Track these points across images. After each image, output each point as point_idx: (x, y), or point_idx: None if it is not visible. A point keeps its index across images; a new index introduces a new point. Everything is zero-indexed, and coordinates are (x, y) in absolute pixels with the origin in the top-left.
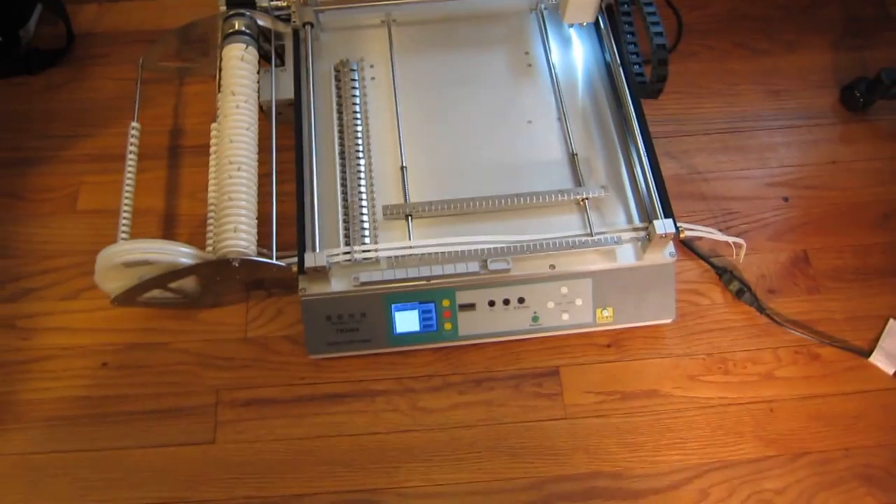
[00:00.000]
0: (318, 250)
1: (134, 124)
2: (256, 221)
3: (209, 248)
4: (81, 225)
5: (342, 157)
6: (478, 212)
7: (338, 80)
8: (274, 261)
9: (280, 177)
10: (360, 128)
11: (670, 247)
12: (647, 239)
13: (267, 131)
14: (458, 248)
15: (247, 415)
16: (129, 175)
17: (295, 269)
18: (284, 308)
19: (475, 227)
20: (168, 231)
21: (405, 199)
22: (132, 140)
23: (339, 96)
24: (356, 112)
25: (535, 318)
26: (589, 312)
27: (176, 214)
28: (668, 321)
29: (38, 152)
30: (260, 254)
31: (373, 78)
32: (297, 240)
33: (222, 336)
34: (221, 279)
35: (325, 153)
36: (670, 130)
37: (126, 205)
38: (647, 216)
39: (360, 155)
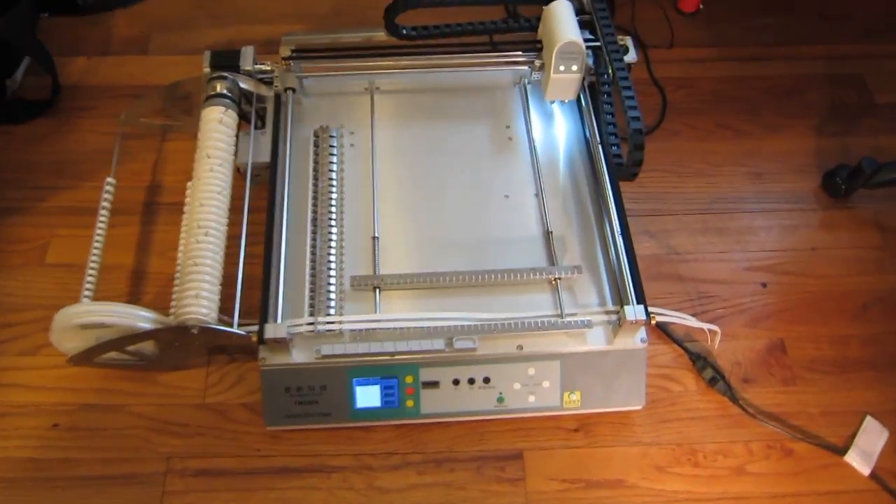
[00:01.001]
0: (280, 320)
1: (109, 179)
2: (220, 288)
3: (171, 313)
4: (48, 279)
5: (314, 224)
6: (448, 286)
7: (316, 145)
8: (235, 329)
9: (251, 238)
10: (334, 194)
11: (642, 332)
12: (619, 323)
13: (241, 192)
14: (425, 325)
15: (196, 486)
16: (98, 232)
17: (255, 338)
18: (246, 375)
19: (444, 301)
20: (135, 289)
21: (375, 271)
22: (106, 196)
23: (316, 161)
24: (332, 178)
25: (500, 399)
26: (556, 395)
27: (145, 272)
28: (638, 407)
29: (15, 202)
30: (221, 321)
31: (352, 145)
32: (260, 309)
33: (179, 401)
34: (180, 344)
35: (297, 218)
36: (650, 209)
37: (93, 262)
38: (620, 300)
39: (333, 222)
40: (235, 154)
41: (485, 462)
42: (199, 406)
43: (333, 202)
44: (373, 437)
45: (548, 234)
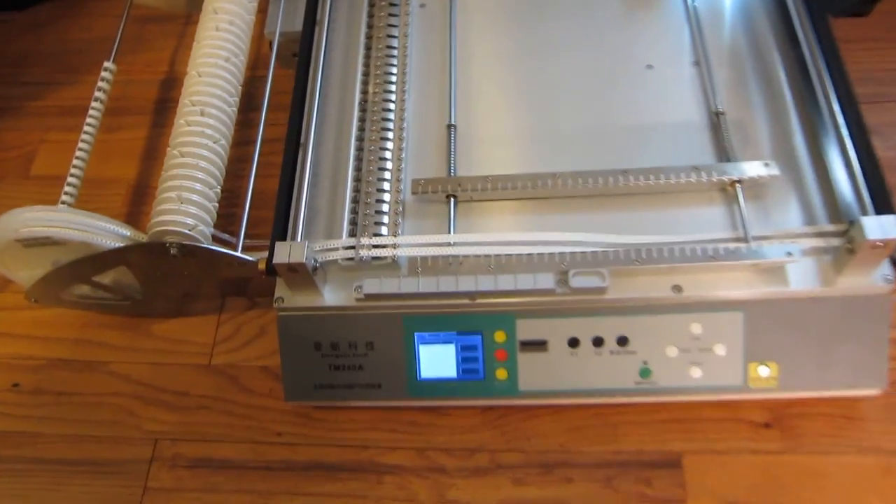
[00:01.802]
0: (300, 238)
1: (107, 64)
2: (218, 192)
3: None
4: (31, 193)
5: (362, 109)
6: (560, 196)
7: (372, 3)
8: (236, 252)
9: (271, 140)
10: (394, 69)
11: (884, 266)
12: (846, 250)
13: (264, 72)
14: (525, 251)
15: (189, 482)
16: (87, 130)
17: (262, 265)
18: (270, 325)
19: (554, 220)
20: (135, 209)
21: (449, 171)
22: (101, 86)
23: (370, 26)
24: (391, 47)
25: (644, 372)
26: (737, 368)
27: (149, 187)
28: (875, 392)
29: (5, 101)
30: (218, 240)
31: (422, 5)
32: (273, 224)
33: (178, 359)
34: (163, 274)
35: (337, 101)
36: (868, 94)
37: (76, 168)
38: (843, 214)
39: (390, 105)
40: (260, 19)
41: (622, 470)
42: (204, 368)
43: (393, 79)
44: (446, 425)
45: (716, 118)
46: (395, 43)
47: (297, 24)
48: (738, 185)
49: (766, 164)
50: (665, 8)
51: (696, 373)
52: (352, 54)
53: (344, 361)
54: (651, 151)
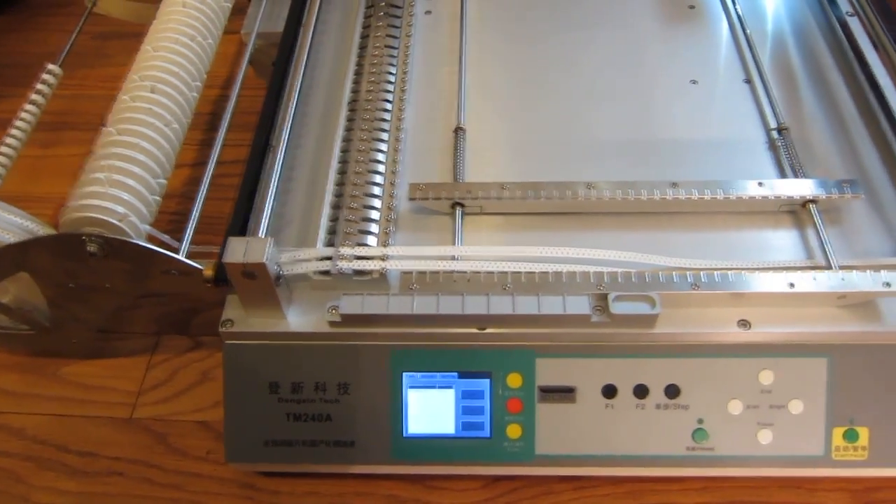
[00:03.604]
0: (263, 234)
1: (51, 67)
2: (165, 185)
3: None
4: None
5: (351, 110)
6: (593, 211)
7: (370, 5)
8: (178, 256)
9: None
10: (392, 70)
11: None
12: None
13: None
14: (552, 267)
15: None
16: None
17: (209, 271)
18: (215, 371)
19: (584, 239)
20: None
21: (456, 176)
22: (40, 88)
23: (366, 27)
24: (391, 48)
25: (699, 435)
26: (817, 433)
27: None
28: None
29: None
30: (156, 242)
31: (428, 12)
32: (229, 221)
33: (90, 410)
34: (78, 287)
35: (321, 103)
36: None
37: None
38: None
39: (386, 106)
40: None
41: None
42: (124, 422)
43: (391, 79)
44: (440, 500)
45: (777, 135)
46: (395, 44)
47: (279, 26)
48: (812, 205)
49: (847, 183)
50: (705, 23)
51: (765, 437)
52: (343, 57)
53: (307, 409)
54: (700, 167)
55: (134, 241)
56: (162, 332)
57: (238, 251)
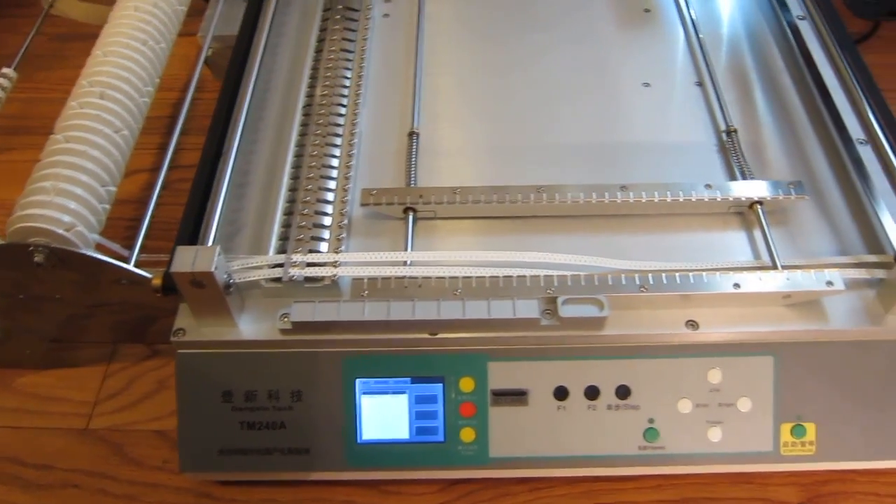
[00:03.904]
0: (211, 243)
1: (6, 70)
2: (114, 193)
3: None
4: None
5: (306, 115)
6: (546, 215)
7: (327, 8)
8: (127, 266)
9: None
10: (348, 73)
11: None
12: None
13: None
14: (502, 272)
15: None
16: None
17: (157, 281)
18: (170, 379)
19: (536, 242)
20: None
21: (409, 182)
22: None
23: (322, 30)
24: (346, 51)
25: (651, 434)
26: (765, 430)
27: None
28: None
29: None
30: (106, 251)
31: (386, 15)
32: (178, 230)
33: (45, 422)
34: (28, 297)
35: (278, 107)
36: None
37: None
38: (884, 241)
39: (340, 111)
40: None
41: None
42: (79, 433)
43: (346, 83)
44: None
45: (727, 137)
46: (351, 47)
47: (236, 28)
48: (759, 206)
49: (793, 185)
50: (659, 26)
51: (714, 435)
52: (299, 60)
53: (261, 417)
54: (650, 170)
55: (81, 251)
56: (119, 341)
57: (186, 260)
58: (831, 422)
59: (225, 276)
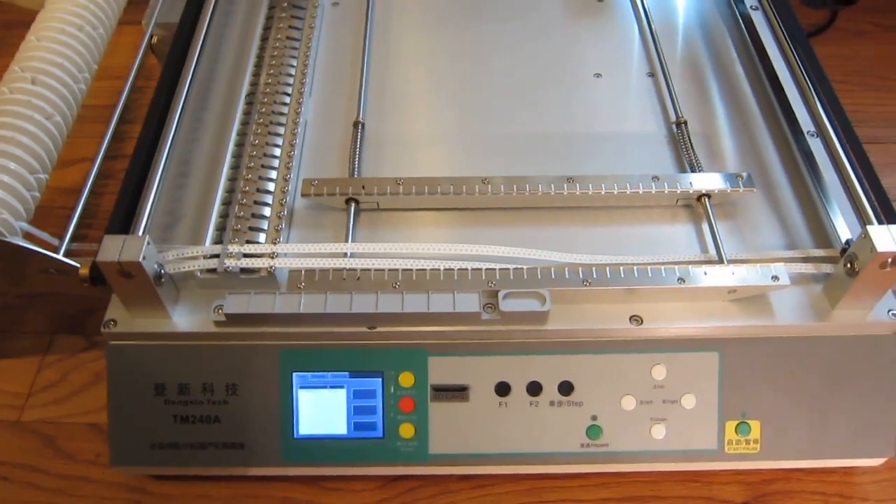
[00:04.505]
0: (142, 232)
1: None
2: (45, 182)
3: None
4: None
5: (249, 104)
6: (490, 207)
7: (273, 5)
8: (55, 255)
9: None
10: (293, 62)
11: (890, 299)
12: (846, 272)
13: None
14: (443, 264)
15: None
16: None
17: (84, 270)
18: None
19: (480, 235)
20: None
21: (352, 173)
22: None
23: (269, 17)
24: (292, 39)
25: (593, 431)
26: (710, 427)
27: None
28: (880, 462)
29: None
30: (35, 240)
31: (335, 3)
32: (110, 218)
33: None
34: None
35: (221, 97)
36: None
37: None
38: (832, 235)
39: (284, 100)
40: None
41: None
42: (11, 425)
43: (291, 72)
44: (335, 501)
45: (677, 129)
46: (297, 35)
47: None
48: (706, 199)
49: (740, 177)
50: (613, 17)
51: (658, 432)
52: (244, 49)
53: (195, 411)
54: (600, 162)
55: (6, 238)
56: (56, 332)
57: (113, 250)
58: (776, 419)
59: (155, 266)
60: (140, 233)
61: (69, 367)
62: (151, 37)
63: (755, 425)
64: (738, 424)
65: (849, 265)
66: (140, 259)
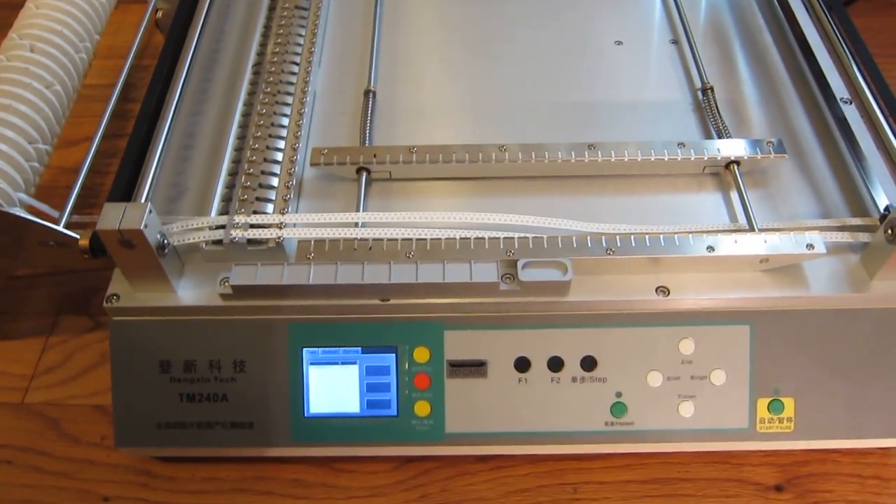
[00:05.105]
0: (144, 200)
1: None
2: (47, 153)
3: None
4: None
5: (255, 73)
6: (508, 176)
7: None
8: (56, 226)
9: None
10: (302, 31)
11: None
12: (889, 238)
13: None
14: (458, 233)
15: None
16: None
17: (84, 241)
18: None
19: (498, 205)
20: None
21: (363, 142)
22: None
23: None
24: (301, 9)
25: (618, 409)
26: (741, 405)
27: None
28: None
29: None
30: (36, 212)
31: None
32: (111, 188)
33: None
34: None
35: (228, 67)
36: None
37: None
38: (867, 203)
39: (293, 69)
40: None
41: None
42: (15, 407)
43: (299, 41)
44: (343, 485)
45: (703, 95)
46: (305, 4)
47: None
48: (735, 166)
49: (770, 143)
50: None
51: (686, 410)
52: (252, 19)
53: (201, 389)
54: (622, 131)
55: (3, 208)
56: (60, 313)
57: (113, 218)
58: (811, 397)
59: (158, 236)
60: (142, 201)
61: (73, 348)
62: (156, 10)
63: (788, 403)
64: (770, 402)
65: (889, 231)
66: (141, 227)
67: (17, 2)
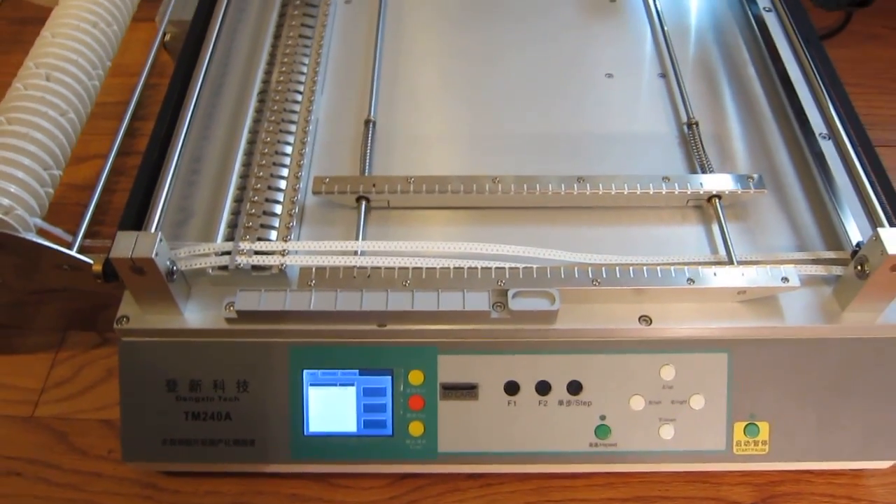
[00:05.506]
0: (155, 228)
1: None
2: (59, 178)
3: None
4: None
5: (261, 101)
6: (500, 206)
7: (286, 2)
8: (69, 251)
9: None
10: (305, 60)
11: None
12: (856, 274)
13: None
14: (453, 263)
15: None
16: None
17: (97, 267)
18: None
19: (490, 234)
20: None
21: (363, 171)
22: None
23: (282, 15)
24: (305, 38)
25: (602, 431)
26: (719, 428)
27: None
28: (889, 464)
29: None
30: (48, 236)
31: (347, 1)
32: (122, 215)
33: None
34: None
35: (234, 94)
36: None
37: None
38: (842, 237)
39: (296, 97)
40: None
41: None
42: (24, 421)
43: (303, 70)
44: (341, 500)
45: (688, 130)
46: (310, 33)
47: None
48: (717, 200)
49: (751, 178)
50: (625, 17)
51: (667, 433)
52: (257, 46)
53: (206, 408)
54: (611, 162)
55: (20, 234)
56: (69, 328)
57: (126, 246)
58: (785, 421)
59: (168, 262)
60: (152, 229)
61: (82, 362)
62: (164, 34)
63: (764, 427)
64: (746, 425)
65: (859, 267)
66: (152, 255)
67: (29, 16)
